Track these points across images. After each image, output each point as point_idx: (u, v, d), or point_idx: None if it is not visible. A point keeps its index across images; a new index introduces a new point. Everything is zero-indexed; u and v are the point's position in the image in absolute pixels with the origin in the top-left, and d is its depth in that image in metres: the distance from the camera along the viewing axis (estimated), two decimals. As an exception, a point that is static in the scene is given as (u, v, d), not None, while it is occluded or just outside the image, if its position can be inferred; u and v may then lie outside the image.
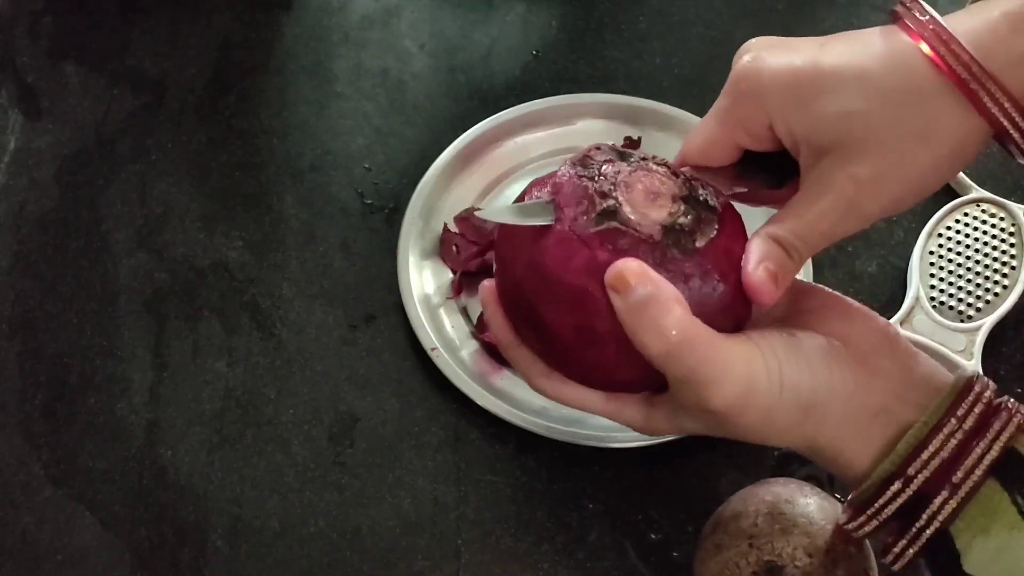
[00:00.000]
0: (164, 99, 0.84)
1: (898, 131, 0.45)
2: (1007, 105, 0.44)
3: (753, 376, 0.45)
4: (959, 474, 0.44)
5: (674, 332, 0.43)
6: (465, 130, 0.78)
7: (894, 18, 0.47)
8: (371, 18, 0.89)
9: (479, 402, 0.67)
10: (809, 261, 0.71)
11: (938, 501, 0.44)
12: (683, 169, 0.50)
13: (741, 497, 0.56)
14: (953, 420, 0.45)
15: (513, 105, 0.80)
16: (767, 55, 0.48)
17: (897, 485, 0.45)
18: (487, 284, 0.51)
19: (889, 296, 0.72)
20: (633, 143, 0.79)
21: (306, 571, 0.64)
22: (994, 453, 0.44)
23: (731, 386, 0.44)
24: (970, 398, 0.45)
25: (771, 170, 0.51)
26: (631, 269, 0.44)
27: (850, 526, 0.47)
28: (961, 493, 0.44)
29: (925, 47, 0.45)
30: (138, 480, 0.67)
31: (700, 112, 0.78)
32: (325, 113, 0.83)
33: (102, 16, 0.89)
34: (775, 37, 0.50)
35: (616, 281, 0.44)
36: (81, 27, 0.88)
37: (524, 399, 0.68)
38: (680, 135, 0.78)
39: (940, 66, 0.45)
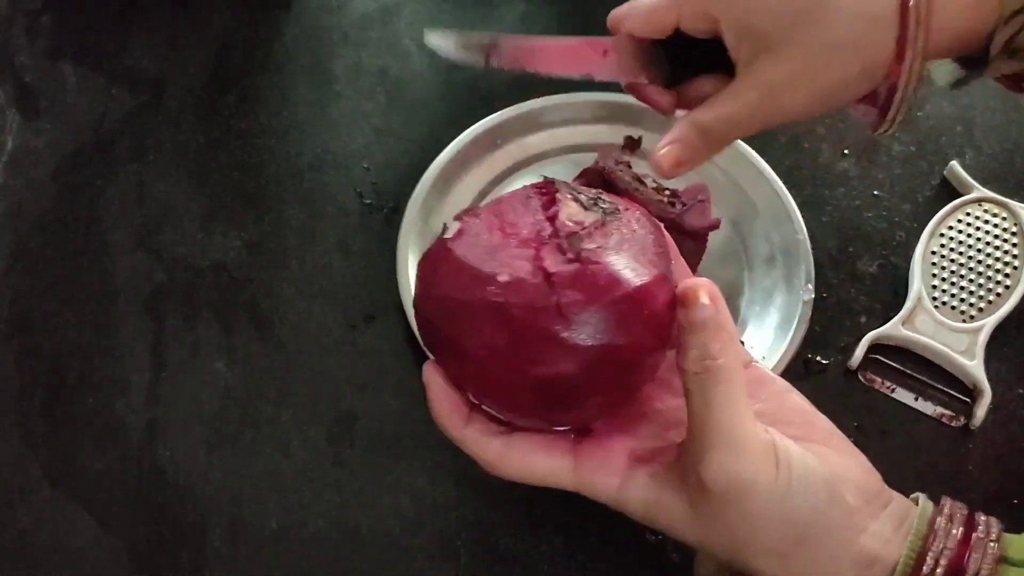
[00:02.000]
0: (163, 99, 0.84)
1: (821, 37, 0.50)
2: (920, 46, 0.49)
3: (765, 459, 0.41)
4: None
5: (720, 360, 0.41)
6: (465, 130, 0.78)
7: None
8: (370, 17, 0.88)
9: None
10: (812, 267, 0.71)
11: None
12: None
13: None
14: (933, 548, 0.42)
15: (513, 105, 0.80)
16: None
17: None
18: (429, 365, 0.45)
19: (891, 296, 0.72)
20: (633, 143, 0.79)
21: (305, 571, 0.64)
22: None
23: (737, 463, 0.41)
24: (936, 544, 0.43)
25: (676, 62, 0.57)
26: (703, 285, 0.42)
27: None
28: None
29: None
30: (137, 480, 0.67)
31: None
32: (324, 113, 0.83)
33: (101, 16, 0.89)
34: None
35: (688, 296, 0.41)
36: (79, 26, 0.88)
37: (524, 399, 0.67)
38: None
39: None
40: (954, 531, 0.43)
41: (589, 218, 0.45)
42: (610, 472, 0.45)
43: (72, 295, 0.74)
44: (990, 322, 0.69)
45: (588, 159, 0.75)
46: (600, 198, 0.46)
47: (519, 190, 0.49)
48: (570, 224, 0.44)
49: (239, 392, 0.70)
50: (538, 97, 0.80)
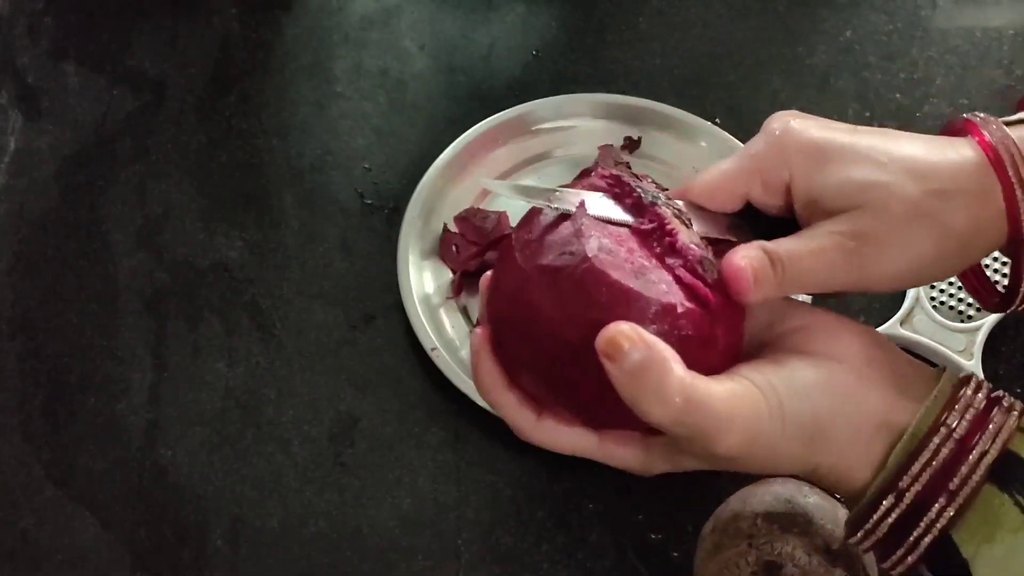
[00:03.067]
0: (164, 99, 0.84)
1: (911, 209, 0.46)
2: None
3: (757, 420, 0.43)
4: (955, 480, 0.43)
5: (678, 399, 0.41)
6: (465, 130, 0.78)
7: (953, 125, 0.50)
8: (371, 18, 0.89)
9: (479, 402, 0.67)
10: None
11: (935, 509, 0.43)
12: (678, 202, 0.49)
13: (741, 497, 0.56)
14: (943, 428, 0.43)
15: (513, 105, 0.80)
16: (806, 121, 0.49)
17: (890, 500, 0.44)
18: (480, 330, 0.46)
19: (889, 296, 0.72)
20: (633, 143, 0.79)
21: (306, 571, 0.64)
22: (991, 456, 0.43)
23: (736, 435, 0.43)
24: (960, 403, 0.44)
25: (760, 233, 0.51)
26: (623, 332, 0.40)
27: (849, 542, 0.46)
28: (959, 500, 0.42)
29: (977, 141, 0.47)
30: (138, 480, 0.67)
31: (700, 112, 0.79)
32: (325, 113, 0.83)
33: (102, 16, 0.89)
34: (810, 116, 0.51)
35: (608, 347, 0.40)
36: (81, 27, 0.88)
37: (524, 399, 0.68)
38: (680, 135, 0.78)
39: (989, 155, 0.47)
40: (979, 396, 0.44)
41: (695, 237, 0.46)
42: (631, 444, 0.47)
43: (74, 296, 0.74)
44: (988, 322, 0.69)
45: (588, 159, 0.75)
46: (675, 204, 0.48)
47: (583, 183, 0.49)
48: (693, 247, 0.45)
49: (240, 392, 0.70)
50: (538, 98, 0.80)
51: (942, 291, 0.70)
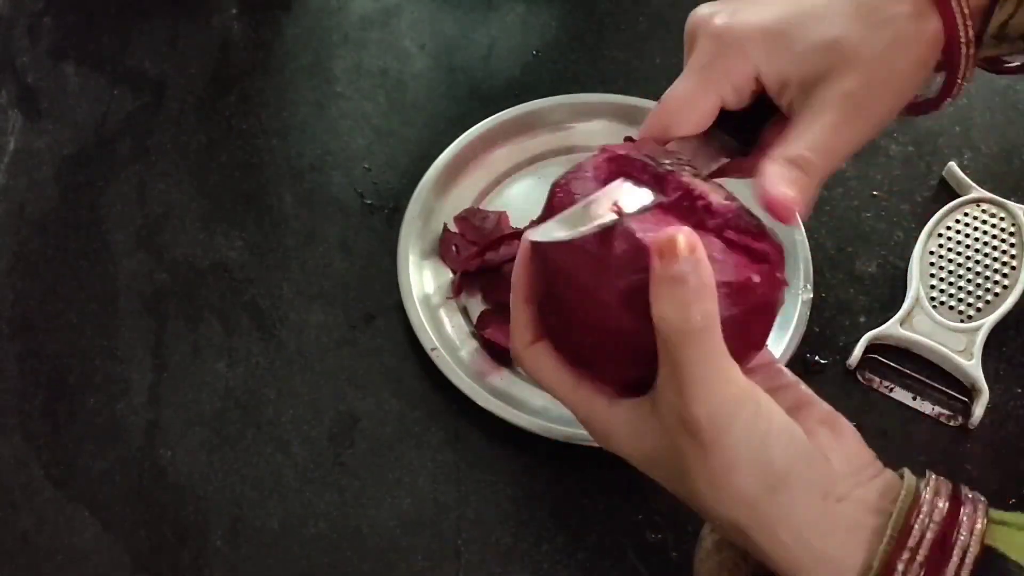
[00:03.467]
0: (164, 99, 0.84)
1: (878, 45, 0.48)
2: (966, 10, 0.48)
3: (742, 403, 0.42)
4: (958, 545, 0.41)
5: (699, 318, 0.41)
6: (465, 130, 0.78)
7: None
8: (371, 18, 0.89)
9: (479, 402, 0.67)
10: (810, 267, 0.71)
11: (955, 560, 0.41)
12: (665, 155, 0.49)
13: None
14: (906, 552, 0.41)
15: (513, 105, 0.80)
16: (741, 10, 0.50)
17: None
18: (526, 236, 0.46)
19: (889, 296, 0.72)
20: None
21: (306, 571, 0.64)
22: (973, 552, 0.41)
23: (719, 397, 0.41)
24: (916, 527, 0.42)
25: (737, 130, 0.52)
26: (685, 242, 0.41)
27: None
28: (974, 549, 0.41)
29: None
30: (138, 481, 0.67)
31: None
32: (325, 113, 0.83)
33: (102, 16, 0.89)
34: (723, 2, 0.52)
35: (665, 247, 0.41)
36: (81, 27, 0.88)
37: (524, 399, 0.68)
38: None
39: None
40: (940, 504, 0.43)
41: (722, 193, 0.47)
42: (601, 395, 0.47)
43: (73, 296, 0.74)
44: (988, 322, 0.69)
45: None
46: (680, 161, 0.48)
47: (588, 167, 0.48)
48: (725, 202, 0.46)
49: (240, 392, 0.70)
50: (538, 97, 0.80)
51: (942, 291, 0.70)
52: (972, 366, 0.67)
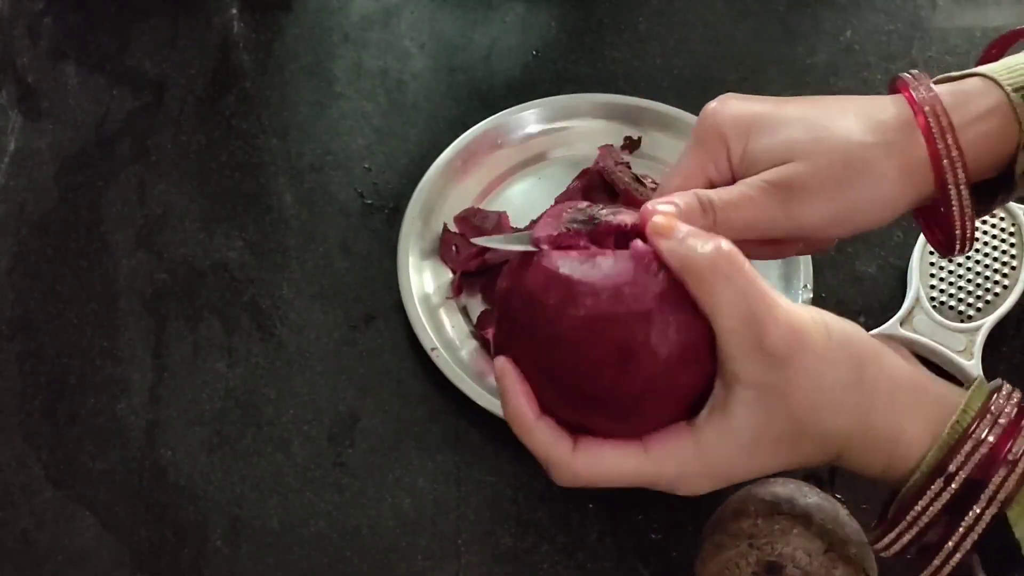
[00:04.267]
0: (164, 99, 0.84)
1: (837, 160, 0.50)
2: (955, 155, 0.50)
3: (803, 310, 0.45)
4: (1014, 451, 0.43)
5: (725, 245, 0.44)
6: (465, 130, 0.78)
7: (890, 85, 0.54)
8: (371, 18, 0.89)
9: (479, 402, 0.67)
10: (810, 268, 0.71)
11: (995, 482, 0.43)
12: None
13: (741, 497, 0.56)
14: (993, 408, 0.44)
15: (513, 105, 0.80)
16: (732, 100, 0.53)
17: (939, 484, 0.44)
18: (502, 360, 0.46)
19: (889, 296, 0.72)
20: (633, 143, 0.79)
21: (306, 571, 0.64)
22: None
23: (783, 318, 0.43)
24: (1003, 393, 0.45)
25: None
26: (664, 210, 0.46)
27: (886, 540, 0.46)
28: (1020, 469, 0.43)
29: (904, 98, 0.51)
30: (138, 481, 0.67)
31: (700, 112, 0.79)
32: (325, 113, 0.83)
33: (102, 16, 0.89)
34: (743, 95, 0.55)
35: (656, 227, 0.45)
36: (81, 27, 0.88)
37: (524, 399, 0.67)
38: (680, 135, 0.78)
39: (913, 108, 0.51)
40: (1014, 395, 0.46)
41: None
42: (680, 437, 0.46)
43: (74, 296, 0.74)
44: (988, 322, 0.69)
45: (588, 159, 0.75)
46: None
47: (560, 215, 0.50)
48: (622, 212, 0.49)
49: (240, 392, 0.70)
50: (538, 98, 0.80)
51: (942, 291, 0.70)
52: (972, 366, 0.67)
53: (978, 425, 0.44)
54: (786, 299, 0.45)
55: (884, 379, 0.46)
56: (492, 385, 0.68)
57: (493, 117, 0.79)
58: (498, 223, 0.74)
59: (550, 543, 0.64)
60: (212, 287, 0.74)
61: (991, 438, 0.43)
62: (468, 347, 0.70)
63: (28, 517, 0.66)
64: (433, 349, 0.69)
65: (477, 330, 0.71)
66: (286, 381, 0.70)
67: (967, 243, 0.53)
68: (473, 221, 0.75)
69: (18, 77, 0.86)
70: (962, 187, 0.50)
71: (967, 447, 0.43)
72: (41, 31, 0.88)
